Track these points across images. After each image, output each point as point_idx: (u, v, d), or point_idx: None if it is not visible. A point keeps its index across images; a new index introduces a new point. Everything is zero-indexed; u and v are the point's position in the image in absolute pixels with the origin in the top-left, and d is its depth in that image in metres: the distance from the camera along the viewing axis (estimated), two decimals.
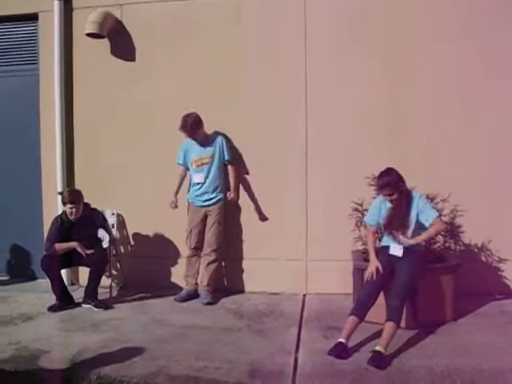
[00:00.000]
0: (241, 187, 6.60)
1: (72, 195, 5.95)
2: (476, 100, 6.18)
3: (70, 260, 6.11)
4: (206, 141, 6.32)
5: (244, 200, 6.62)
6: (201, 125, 6.23)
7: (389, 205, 5.03)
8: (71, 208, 5.92)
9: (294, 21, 6.41)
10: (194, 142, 6.30)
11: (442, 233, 5.68)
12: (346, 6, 6.33)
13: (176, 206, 6.32)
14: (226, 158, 6.37)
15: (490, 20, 6.11)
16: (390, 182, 4.91)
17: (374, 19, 6.29)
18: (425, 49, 6.22)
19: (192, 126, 6.13)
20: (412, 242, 4.94)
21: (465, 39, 6.16)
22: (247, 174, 6.58)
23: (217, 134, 6.46)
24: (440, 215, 5.19)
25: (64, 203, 6.00)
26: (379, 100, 6.28)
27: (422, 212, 4.97)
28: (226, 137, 6.45)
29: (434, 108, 6.23)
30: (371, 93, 6.29)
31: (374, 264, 4.98)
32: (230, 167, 6.43)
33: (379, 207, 5.16)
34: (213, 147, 6.33)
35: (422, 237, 4.96)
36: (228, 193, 6.37)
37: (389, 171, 4.97)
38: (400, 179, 4.95)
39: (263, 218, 6.59)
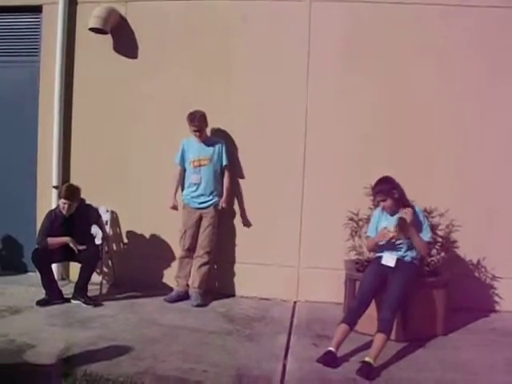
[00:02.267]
0: (236, 192, 6.57)
1: (68, 191, 5.90)
2: (475, 117, 6.21)
3: (62, 255, 6.07)
4: (207, 141, 6.30)
5: (239, 204, 6.59)
6: (207, 122, 6.26)
7: (387, 215, 5.05)
8: (64, 203, 5.87)
9: (298, 33, 6.41)
10: (193, 141, 6.30)
11: (437, 247, 5.70)
12: (349, 24, 6.35)
13: (177, 208, 6.31)
14: (225, 162, 6.35)
15: (492, 38, 6.15)
16: (383, 188, 5.00)
17: (376, 36, 6.31)
18: (425, 65, 6.24)
19: (201, 118, 6.16)
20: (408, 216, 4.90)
21: (464, 56, 6.20)
22: (243, 178, 6.56)
23: (218, 137, 6.45)
24: (430, 242, 5.23)
25: (59, 197, 5.97)
26: (378, 114, 6.30)
27: (417, 227, 5.01)
28: (225, 142, 6.44)
29: (433, 124, 6.25)
30: (371, 106, 6.30)
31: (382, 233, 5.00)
32: (225, 171, 6.41)
33: (377, 218, 5.20)
34: (212, 149, 6.31)
35: (416, 234, 4.95)
36: (220, 201, 6.34)
37: (385, 178, 5.08)
38: (394, 187, 5.01)
39: (257, 223, 6.56)
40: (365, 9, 6.29)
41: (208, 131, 6.40)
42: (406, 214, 4.90)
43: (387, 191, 4.97)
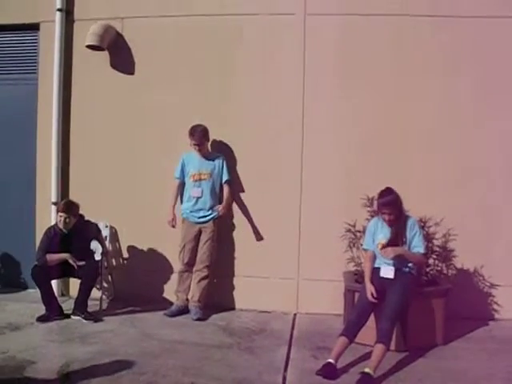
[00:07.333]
0: (235, 205, 6.59)
1: (66, 205, 5.94)
2: (470, 127, 6.23)
3: (61, 271, 6.07)
4: (207, 156, 6.33)
5: (237, 218, 6.61)
6: (208, 137, 6.30)
7: (384, 225, 5.06)
8: (61, 217, 5.90)
9: (293, 46, 6.46)
10: (193, 155, 6.32)
11: (434, 256, 5.72)
12: (344, 36, 6.40)
13: (174, 226, 6.31)
14: (226, 178, 6.37)
15: (482, 55, 6.22)
16: (392, 201, 4.94)
17: (371, 48, 6.37)
18: (420, 76, 6.29)
19: (201, 133, 6.19)
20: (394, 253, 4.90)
21: (459, 66, 6.25)
22: (241, 192, 6.58)
23: (218, 153, 6.47)
24: (426, 252, 5.25)
25: (57, 212, 5.99)
26: (375, 125, 6.33)
27: (413, 238, 5.02)
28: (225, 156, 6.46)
29: (429, 133, 6.28)
30: (368, 117, 6.34)
31: (368, 289, 4.92)
32: (226, 186, 6.42)
33: (373, 230, 5.18)
34: (213, 164, 6.34)
35: (409, 254, 4.97)
36: (217, 206, 6.33)
37: (390, 190, 5.01)
38: (400, 200, 4.99)
39: (256, 236, 6.57)
40: (359, 21, 6.34)
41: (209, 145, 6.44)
42: (385, 252, 4.93)
43: (394, 203, 4.94)
